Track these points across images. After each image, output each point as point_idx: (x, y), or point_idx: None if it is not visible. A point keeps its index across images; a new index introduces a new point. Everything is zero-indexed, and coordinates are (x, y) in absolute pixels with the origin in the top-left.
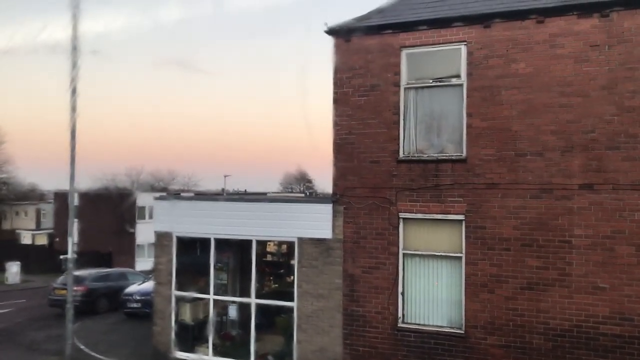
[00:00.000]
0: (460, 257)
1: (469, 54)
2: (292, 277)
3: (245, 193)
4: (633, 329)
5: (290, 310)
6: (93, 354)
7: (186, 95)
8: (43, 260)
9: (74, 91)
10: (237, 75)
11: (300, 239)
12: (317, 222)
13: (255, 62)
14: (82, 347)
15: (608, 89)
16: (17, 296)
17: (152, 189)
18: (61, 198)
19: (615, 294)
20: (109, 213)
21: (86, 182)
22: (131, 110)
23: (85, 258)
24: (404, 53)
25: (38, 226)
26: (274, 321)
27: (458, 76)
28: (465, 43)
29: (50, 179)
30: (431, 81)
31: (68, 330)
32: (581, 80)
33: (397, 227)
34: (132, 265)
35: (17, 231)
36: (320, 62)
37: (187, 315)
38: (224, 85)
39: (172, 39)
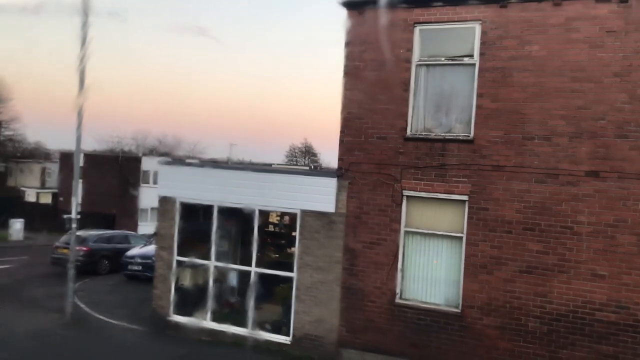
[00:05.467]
0: (461, 237)
1: (483, 33)
2: (293, 249)
3: (251, 163)
4: (628, 317)
5: (289, 280)
6: (93, 313)
7: (198, 62)
8: (46, 218)
9: (84, 51)
10: (252, 45)
11: (303, 212)
12: (320, 196)
13: (271, 32)
14: (82, 306)
15: (621, 76)
16: (19, 253)
17: (157, 153)
18: (66, 158)
19: (614, 282)
20: (113, 175)
21: (92, 143)
22: (141, 74)
23: (89, 219)
24: (418, 29)
25: (42, 185)
26: (273, 291)
27: (471, 55)
28: (480, 22)
29: (56, 137)
30: (443, 59)
31: (69, 289)
32: (595, 66)
33: (400, 205)
34: (134, 229)
35: (22, 189)
36: (334, 34)
37: (187, 281)
38: (237, 54)
39: (187, 5)
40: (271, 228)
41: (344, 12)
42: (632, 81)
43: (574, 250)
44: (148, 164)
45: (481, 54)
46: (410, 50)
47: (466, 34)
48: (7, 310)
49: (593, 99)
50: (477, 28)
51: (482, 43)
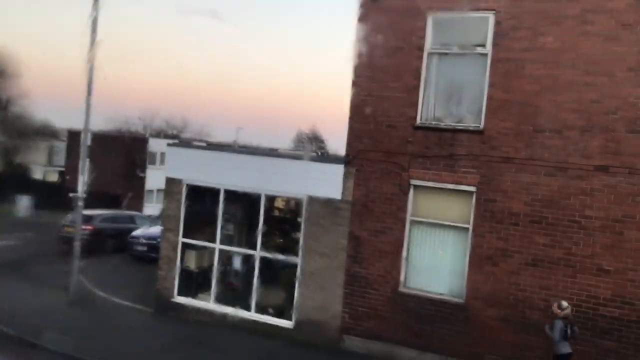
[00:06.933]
0: (467, 229)
1: (497, 23)
2: (297, 234)
3: (257, 148)
4: (632, 312)
5: (293, 266)
6: (98, 292)
7: (208, 44)
8: (53, 196)
9: (94, 29)
10: (262, 29)
11: (310, 197)
12: (327, 182)
13: (282, 17)
14: (87, 284)
15: (636, 71)
16: (25, 229)
17: (165, 135)
18: (74, 136)
19: (619, 278)
20: (120, 156)
21: (99, 122)
22: (151, 54)
23: (95, 198)
24: (431, 17)
25: (50, 162)
26: (277, 275)
27: (483, 45)
28: (494, 12)
29: (64, 116)
30: (455, 48)
31: (74, 267)
32: (609, 60)
33: (407, 194)
34: (140, 209)
35: (29, 166)
36: (346, 20)
37: (192, 263)
38: (247, 38)
39: None
40: (277, 213)
41: None
42: None
43: (581, 245)
44: (155, 145)
45: (494, 44)
46: (422, 38)
47: (479, 24)
48: (13, 286)
49: (606, 92)
50: (491, 18)
51: (495, 33)
